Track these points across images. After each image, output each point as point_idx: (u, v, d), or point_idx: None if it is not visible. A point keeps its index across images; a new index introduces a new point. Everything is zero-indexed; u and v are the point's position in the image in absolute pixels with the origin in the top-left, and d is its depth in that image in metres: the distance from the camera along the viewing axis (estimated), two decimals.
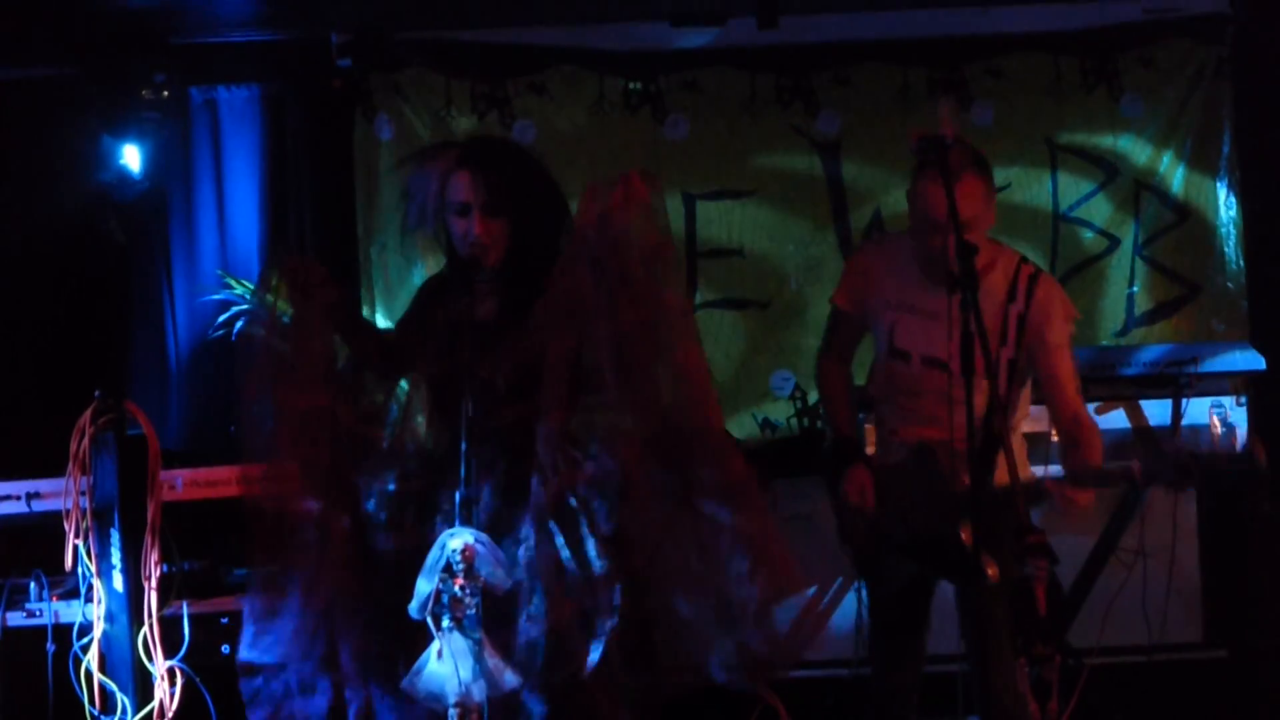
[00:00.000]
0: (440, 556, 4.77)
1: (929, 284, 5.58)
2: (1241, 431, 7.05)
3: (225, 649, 6.23)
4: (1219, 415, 7.10)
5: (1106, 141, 8.13)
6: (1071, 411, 5.65)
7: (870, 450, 6.20)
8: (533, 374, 5.07)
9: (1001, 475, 5.34)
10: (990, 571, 5.24)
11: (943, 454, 5.58)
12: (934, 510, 5.59)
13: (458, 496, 4.84)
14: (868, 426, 6.55)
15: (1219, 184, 8.08)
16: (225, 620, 6.27)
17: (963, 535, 5.38)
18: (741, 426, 8.01)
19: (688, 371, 5.16)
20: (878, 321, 5.80)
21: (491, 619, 4.83)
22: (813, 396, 7.94)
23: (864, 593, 6.10)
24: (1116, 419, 7.03)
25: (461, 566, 4.74)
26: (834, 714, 7.25)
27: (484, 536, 4.79)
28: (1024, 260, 5.75)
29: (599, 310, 5.01)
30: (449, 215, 5.24)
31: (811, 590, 7.75)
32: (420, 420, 5.40)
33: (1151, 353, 7.17)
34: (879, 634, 5.98)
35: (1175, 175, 8.09)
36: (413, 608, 4.84)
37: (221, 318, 7.80)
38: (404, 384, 5.42)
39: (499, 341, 5.10)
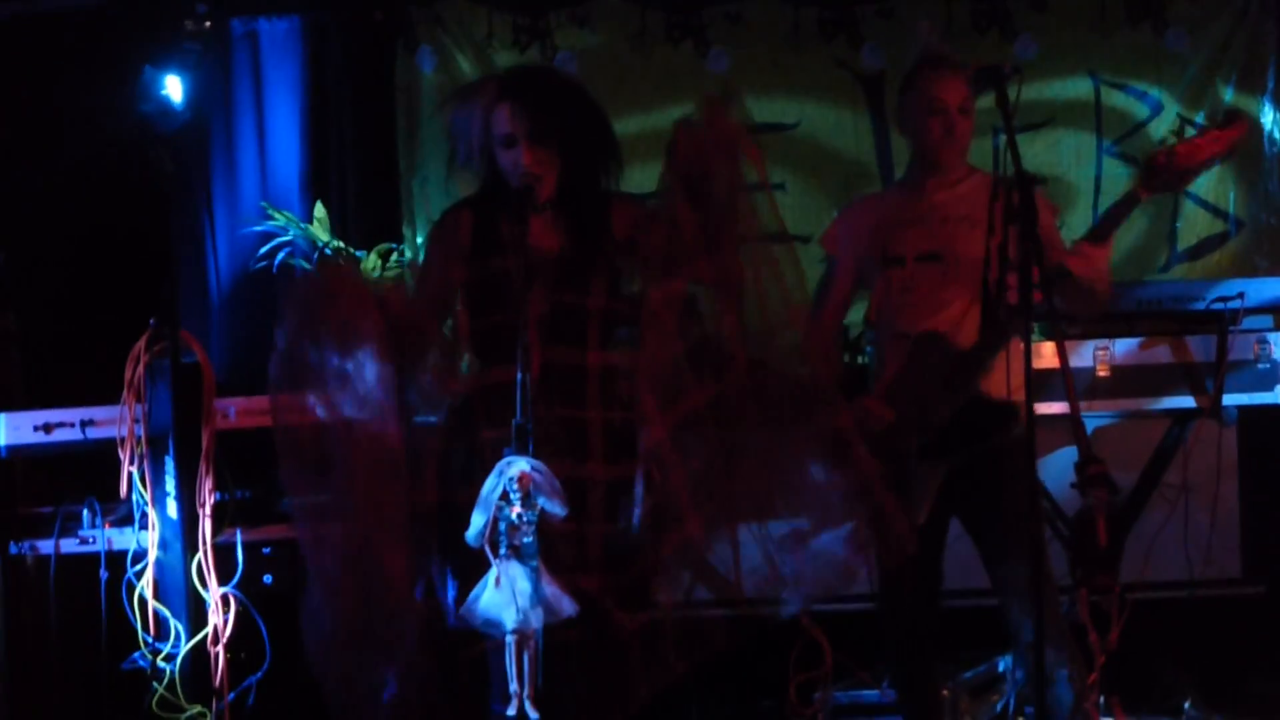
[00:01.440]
0: (497, 484, 4.77)
1: (913, 195, 5.91)
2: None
3: (268, 579, 6.28)
4: (1263, 350, 7.09)
5: (1151, 76, 8.10)
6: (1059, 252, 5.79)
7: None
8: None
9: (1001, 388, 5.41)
10: (1022, 414, 5.34)
11: (944, 338, 5.73)
12: (949, 385, 5.67)
13: (514, 426, 4.85)
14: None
15: (1263, 119, 8.04)
16: (267, 550, 6.31)
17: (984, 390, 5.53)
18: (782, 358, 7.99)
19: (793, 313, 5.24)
20: (870, 247, 5.94)
21: (549, 548, 4.86)
22: (854, 329, 7.92)
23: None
24: (1161, 354, 7.00)
25: (519, 494, 4.74)
26: (875, 646, 7.27)
27: (540, 465, 4.79)
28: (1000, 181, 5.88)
29: (706, 245, 5.05)
30: (497, 149, 5.24)
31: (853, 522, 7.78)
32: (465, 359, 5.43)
33: (1196, 288, 7.16)
34: (894, 579, 5.96)
35: (1219, 110, 8.03)
36: (470, 535, 4.85)
37: (263, 249, 7.80)
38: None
39: (578, 269, 5.14)
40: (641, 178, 7.93)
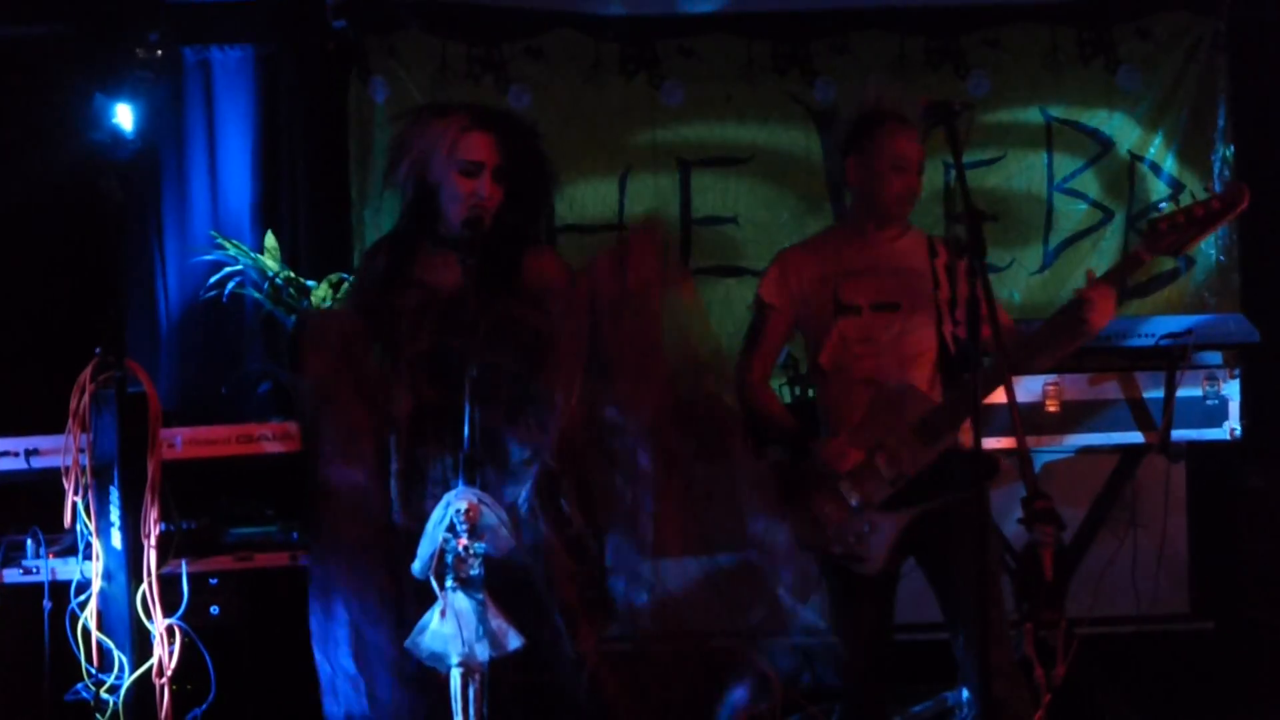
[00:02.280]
0: (444, 516, 4.77)
1: (860, 243, 5.95)
2: (1234, 404, 7.07)
3: (214, 610, 6.24)
4: (1211, 387, 7.11)
5: (1102, 113, 8.14)
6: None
7: None
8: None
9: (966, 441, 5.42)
10: (1000, 462, 5.50)
11: (914, 388, 5.76)
12: (922, 435, 5.69)
13: (461, 457, 4.84)
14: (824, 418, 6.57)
15: (1213, 157, 8.09)
16: (214, 581, 6.27)
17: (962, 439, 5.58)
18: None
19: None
20: (813, 298, 5.95)
21: (495, 580, 4.85)
22: (805, 364, 7.93)
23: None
24: (1110, 390, 7.03)
25: (465, 526, 4.73)
26: (827, 681, 7.26)
27: (488, 497, 4.79)
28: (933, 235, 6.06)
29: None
30: (451, 174, 5.23)
31: None
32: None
33: (1146, 324, 7.18)
34: (848, 619, 5.94)
35: (1170, 148, 8.11)
36: (416, 567, 4.85)
37: (213, 279, 7.77)
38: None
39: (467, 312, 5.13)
40: (592, 209, 8.01)
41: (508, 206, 5.29)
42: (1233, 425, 7.06)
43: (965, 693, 6.02)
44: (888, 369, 5.80)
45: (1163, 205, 8.04)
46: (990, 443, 6.02)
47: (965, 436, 5.63)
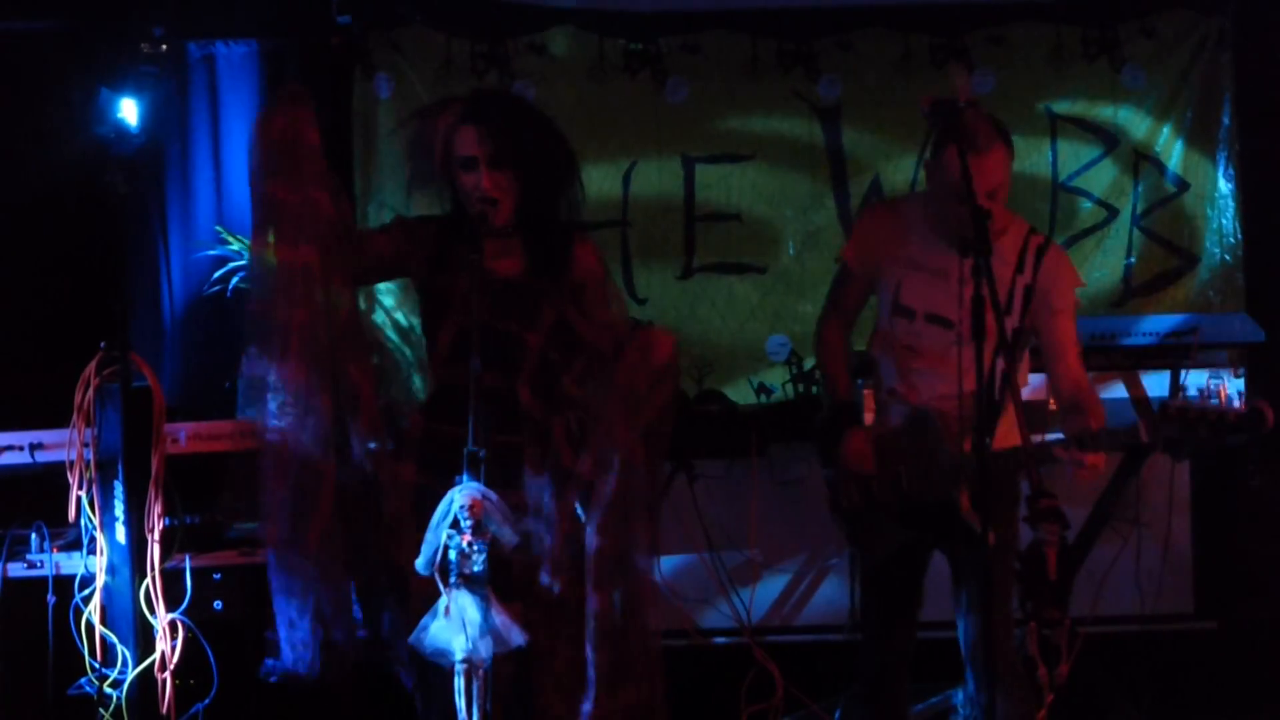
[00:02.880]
0: (447, 511, 4.76)
1: (939, 244, 5.63)
2: (1238, 404, 7.05)
3: (218, 605, 6.25)
4: (1216, 385, 7.10)
5: (1107, 112, 8.12)
6: (1074, 376, 5.68)
7: (869, 418, 6.22)
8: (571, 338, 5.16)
9: (1001, 440, 5.38)
10: (990, 539, 5.28)
11: (942, 418, 5.60)
12: (932, 475, 5.60)
13: (465, 453, 4.83)
14: (865, 391, 6.54)
15: (1218, 156, 8.07)
16: (217, 576, 6.28)
17: (963, 502, 5.42)
18: (737, 391, 8.00)
19: None
20: (884, 278, 5.81)
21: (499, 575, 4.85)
22: (808, 362, 7.93)
23: (856, 561, 6.11)
24: (1115, 390, 7.03)
25: (469, 522, 4.72)
26: (828, 678, 7.26)
27: (491, 492, 4.78)
28: (1033, 230, 5.79)
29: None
30: (457, 171, 5.24)
31: (804, 555, 7.79)
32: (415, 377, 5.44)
33: (1151, 323, 7.19)
34: (871, 602, 5.98)
35: (1175, 147, 8.09)
36: (420, 563, 4.84)
37: (217, 274, 7.77)
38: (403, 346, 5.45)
39: (530, 297, 5.14)
40: (596, 205, 8.01)
41: (527, 191, 5.27)
42: None
43: (970, 689, 6.02)
44: (928, 386, 5.67)
45: (1166, 203, 8.08)
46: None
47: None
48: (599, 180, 8.05)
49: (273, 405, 5.12)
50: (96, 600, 6.05)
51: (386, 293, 7.79)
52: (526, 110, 5.49)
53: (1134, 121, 8.11)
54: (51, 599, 6.10)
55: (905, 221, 5.82)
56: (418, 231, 5.40)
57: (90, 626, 6.03)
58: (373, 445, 5.24)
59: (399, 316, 7.73)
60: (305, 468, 5.09)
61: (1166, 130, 8.10)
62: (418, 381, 5.58)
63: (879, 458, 5.75)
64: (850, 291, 5.98)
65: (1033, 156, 8.10)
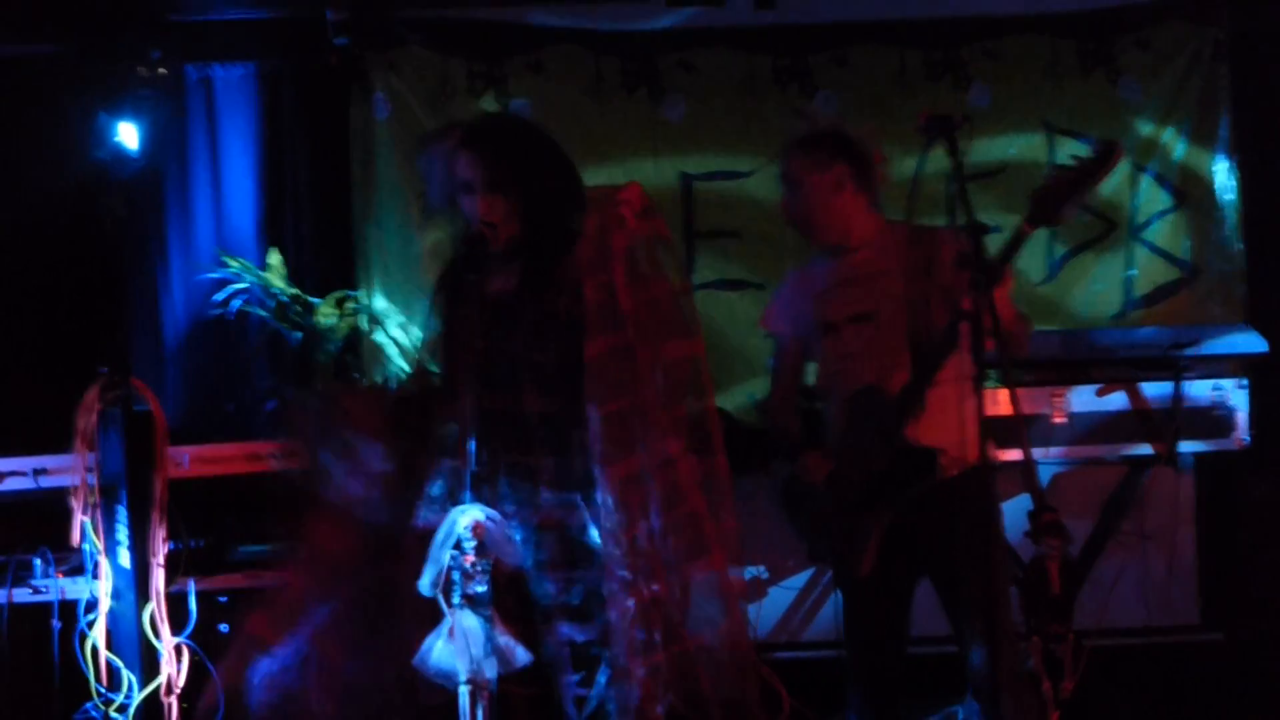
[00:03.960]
0: (450, 533, 4.76)
1: (834, 261, 5.86)
2: (1241, 415, 7.07)
3: (223, 627, 6.25)
4: (1218, 397, 7.11)
5: (1104, 125, 8.09)
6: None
7: None
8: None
9: (964, 453, 5.37)
10: (943, 461, 5.40)
11: (880, 391, 5.67)
12: (883, 433, 5.65)
13: (467, 475, 4.83)
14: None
15: (1216, 167, 8.08)
16: (222, 599, 6.28)
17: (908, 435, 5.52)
18: (739, 407, 8.01)
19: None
20: (807, 319, 5.92)
21: (502, 596, 4.84)
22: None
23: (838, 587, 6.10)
24: (1117, 401, 7.03)
25: (472, 543, 4.73)
26: (834, 695, 7.25)
27: (494, 513, 4.78)
28: (890, 221, 5.91)
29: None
30: (460, 196, 5.25)
31: (810, 571, 7.79)
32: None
33: (1151, 335, 7.19)
34: (851, 629, 5.96)
35: (1173, 158, 8.09)
36: (423, 585, 4.83)
37: (218, 296, 7.79)
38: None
39: (525, 314, 5.12)
40: None
41: (528, 215, 5.27)
42: (1240, 435, 7.06)
43: (972, 706, 6.01)
44: (867, 380, 5.74)
45: (1165, 215, 8.09)
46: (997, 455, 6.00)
47: (920, 434, 5.56)
48: None
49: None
50: (101, 625, 6.06)
51: (388, 312, 7.84)
52: (527, 133, 5.45)
53: (1131, 134, 8.10)
54: (56, 624, 6.11)
55: (809, 272, 6.00)
56: (443, 286, 5.42)
57: (95, 651, 6.04)
58: None
59: (399, 336, 7.77)
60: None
61: (1164, 142, 8.10)
62: None
63: (839, 460, 5.79)
64: (789, 363, 6.10)
65: (1030, 171, 8.08)
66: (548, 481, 5.10)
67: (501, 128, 5.53)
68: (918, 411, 5.57)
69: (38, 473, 6.22)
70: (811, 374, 6.13)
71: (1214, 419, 7.05)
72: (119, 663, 6.03)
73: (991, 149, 8.04)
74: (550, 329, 5.15)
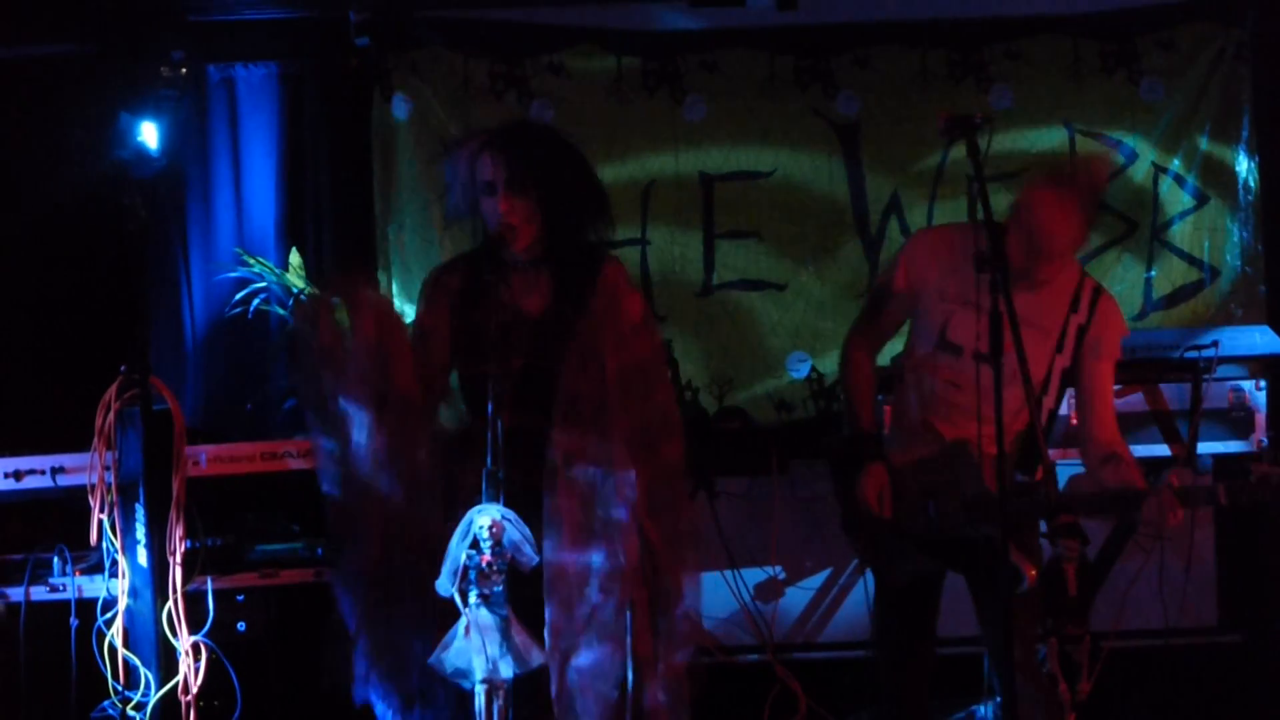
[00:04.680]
0: (467, 532, 4.76)
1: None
2: (1261, 416, 7.05)
3: (241, 626, 6.26)
4: (1237, 399, 7.09)
5: (1126, 125, 8.11)
6: (1113, 425, 5.69)
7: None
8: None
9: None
10: (1030, 574, 5.30)
11: (978, 453, 5.48)
12: (961, 509, 5.59)
13: (484, 473, 4.83)
14: (885, 407, 6.53)
15: (1238, 168, 8.07)
16: (240, 597, 6.29)
17: (1009, 546, 5.34)
18: (758, 408, 8.01)
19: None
20: (931, 309, 5.77)
21: (518, 595, 4.85)
22: (829, 378, 7.94)
23: (871, 580, 6.09)
24: (1135, 402, 7.02)
25: (489, 542, 4.73)
26: (851, 695, 7.25)
27: (511, 513, 4.78)
28: (1085, 273, 5.79)
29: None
30: (481, 199, 5.25)
31: (827, 572, 7.79)
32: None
33: (1171, 336, 7.18)
34: (887, 622, 5.97)
35: (1194, 160, 8.08)
36: (440, 583, 4.84)
37: (238, 295, 7.81)
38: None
39: (559, 333, 5.14)
40: (618, 230, 7.99)
41: (550, 219, 5.27)
42: (1259, 437, 7.04)
43: (993, 706, 6.01)
44: (964, 426, 5.48)
45: (1186, 216, 8.07)
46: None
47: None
48: (617, 199, 7.96)
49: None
50: (119, 623, 6.06)
51: (408, 313, 7.83)
52: (551, 139, 5.46)
53: (1153, 134, 8.10)
54: (74, 622, 6.12)
55: (956, 252, 5.68)
56: (443, 280, 5.41)
57: (113, 649, 6.04)
58: None
59: None
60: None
61: (1185, 143, 8.09)
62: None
63: (903, 487, 5.73)
64: (888, 315, 5.93)
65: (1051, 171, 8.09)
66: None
67: (525, 131, 5.55)
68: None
69: (56, 471, 6.23)
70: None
71: (1233, 420, 7.03)
72: (136, 661, 6.04)
73: (1013, 150, 8.03)
74: (590, 355, 5.17)
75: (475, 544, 4.74)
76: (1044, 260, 5.55)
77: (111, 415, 6.04)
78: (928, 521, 5.66)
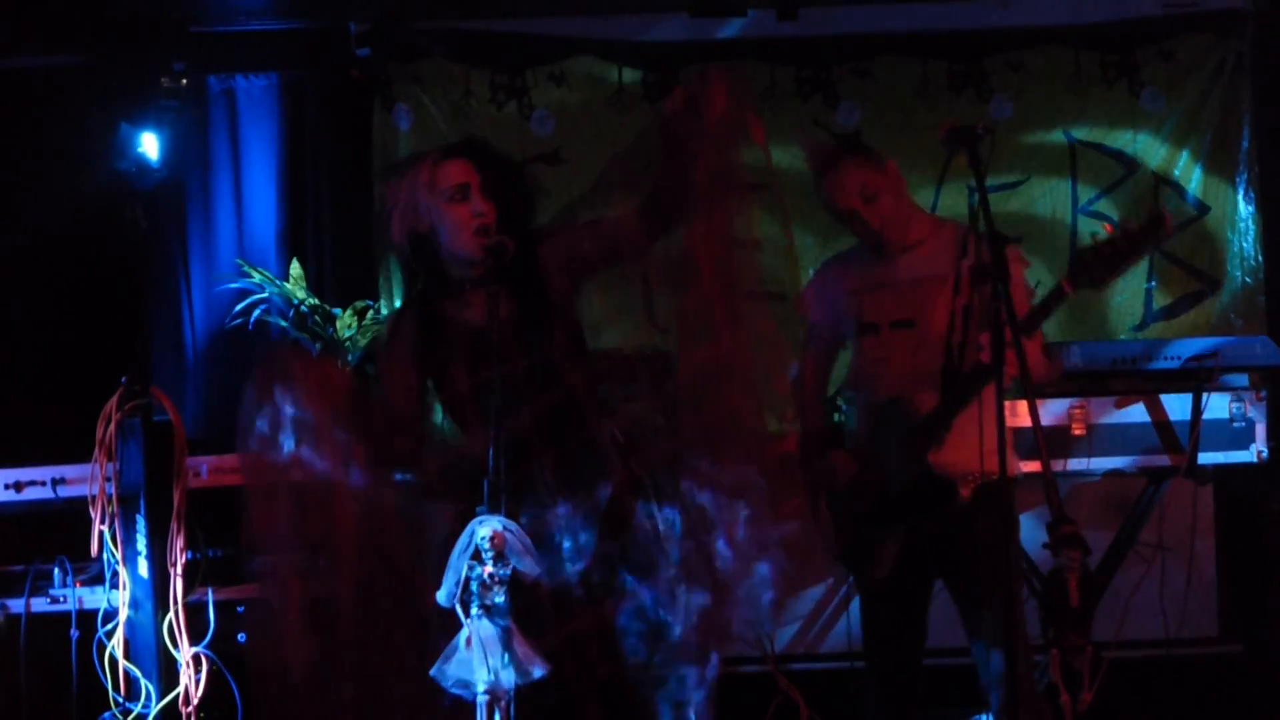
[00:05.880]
0: (469, 543, 4.76)
1: (881, 260, 5.89)
2: (1261, 427, 7.05)
3: (241, 637, 6.25)
4: (1237, 409, 7.08)
5: (1126, 136, 8.13)
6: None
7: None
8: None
9: (990, 464, 5.34)
10: (963, 491, 5.48)
11: (909, 402, 5.68)
12: (906, 452, 5.65)
13: (485, 484, 4.83)
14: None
15: (1238, 179, 8.07)
16: (241, 608, 6.29)
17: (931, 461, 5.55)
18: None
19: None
20: (845, 312, 5.95)
21: (520, 607, 4.84)
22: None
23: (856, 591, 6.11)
24: (1136, 413, 7.01)
25: (490, 553, 4.72)
26: (852, 706, 7.24)
27: (513, 524, 4.77)
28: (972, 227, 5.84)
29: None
30: (440, 206, 5.19)
31: (828, 582, 7.78)
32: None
33: (1172, 347, 7.17)
34: (868, 638, 5.97)
35: (1194, 170, 8.09)
36: (441, 595, 4.83)
37: (239, 306, 7.81)
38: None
39: (528, 336, 5.14)
40: None
41: (501, 225, 5.25)
42: (1260, 448, 7.03)
43: (988, 717, 6.00)
44: (904, 389, 5.73)
45: (1187, 226, 8.07)
46: (1016, 466, 5.99)
47: (944, 457, 5.58)
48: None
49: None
50: (120, 635, 6.06)
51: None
52: (502, 157, 5.49)
53: (1153, 145, 8.11)
54: (75, 634, 6.11)
55: (851, 262, 6.08)
56: (395, 350, 5.38)
57: (114, 661, 6.04)
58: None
59: None
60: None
61: (1186, 154, 8.10)
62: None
63: (861, 468, 5.81)
64: (820, 344, 6.14)
65: (1052, 181, 8.11)
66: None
67: (484, 145, 5.52)
68: (941, 438, 5.59)
69: (57, 482, 6.24)
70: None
71: (1234, 431, 7.03)
72: (137, 672, 6.03)
73: (1014, 160, 8.04)
74: (563, 341, 5.18)
75: (477, 555, 4.73)
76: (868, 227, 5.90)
77: (112, 426, 6.04)
78: (885, 481, 5.71)
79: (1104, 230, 5.58)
